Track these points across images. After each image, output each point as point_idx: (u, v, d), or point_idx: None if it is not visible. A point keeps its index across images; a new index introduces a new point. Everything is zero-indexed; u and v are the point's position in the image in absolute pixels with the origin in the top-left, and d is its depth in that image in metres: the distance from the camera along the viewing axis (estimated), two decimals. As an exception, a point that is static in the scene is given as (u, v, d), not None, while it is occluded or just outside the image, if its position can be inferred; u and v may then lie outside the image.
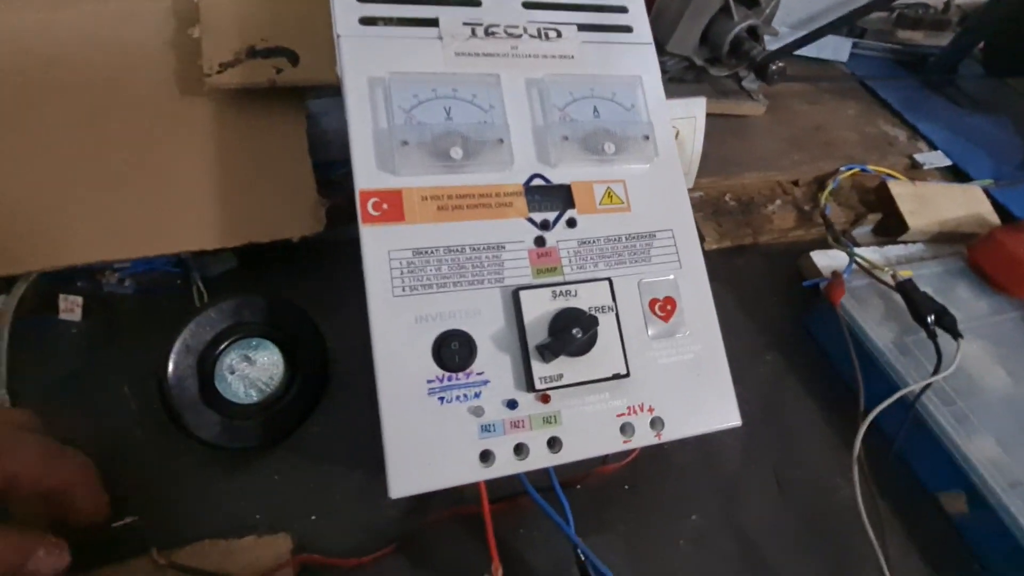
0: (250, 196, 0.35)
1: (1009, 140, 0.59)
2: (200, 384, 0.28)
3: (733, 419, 0.29)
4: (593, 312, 0.27)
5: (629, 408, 0.27)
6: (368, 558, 0.28)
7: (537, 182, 0.29)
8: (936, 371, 0.34)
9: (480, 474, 0.25)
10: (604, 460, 0.30)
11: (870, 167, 0.51)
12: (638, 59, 0.32)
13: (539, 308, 0.26)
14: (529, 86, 0.30)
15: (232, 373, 0.29)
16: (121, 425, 0.31)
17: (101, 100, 0.34)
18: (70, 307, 0.34)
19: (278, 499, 0.29)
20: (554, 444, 0.26)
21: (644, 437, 0.27)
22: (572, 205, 0.29)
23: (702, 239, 0.43)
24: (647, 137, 0.30)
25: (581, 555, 0.26)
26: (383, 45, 0.28)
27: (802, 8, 0.61)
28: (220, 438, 0.28)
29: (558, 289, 0.27)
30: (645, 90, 0.31)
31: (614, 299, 0.27)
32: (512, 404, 0.26)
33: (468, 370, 0.25)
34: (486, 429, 0.25)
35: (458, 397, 0.25)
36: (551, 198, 0.29)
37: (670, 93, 0.33)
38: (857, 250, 0.42)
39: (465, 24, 0.29)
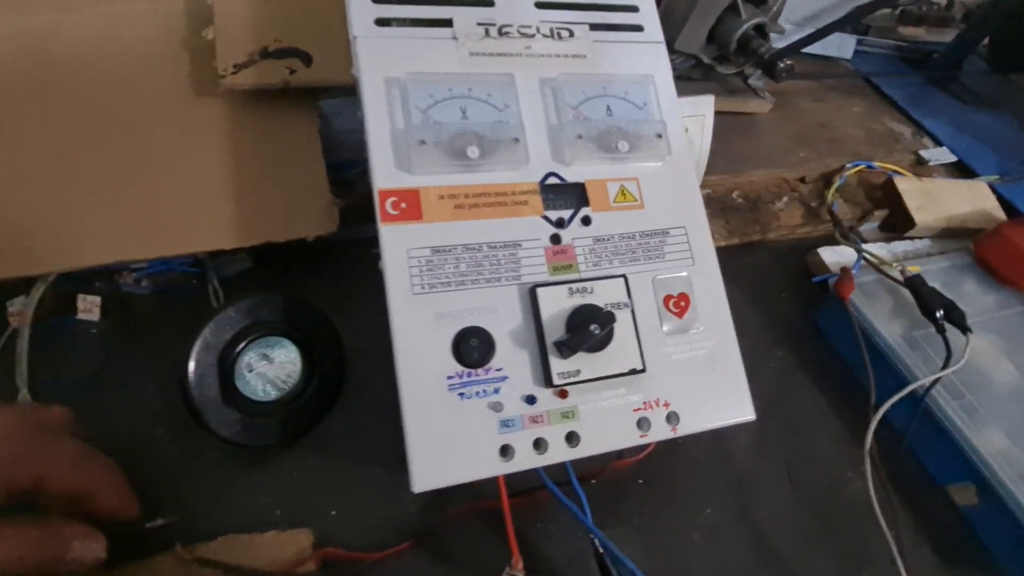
0: (265, 196, 0.35)
1: (1014, 136, 0.60)
2: (220, 382, 0.29)
3: (747, 413, 0.29)
4: (609, 308, 0.27)
5: (645, 403, 0.27)
6: (388, 552, 0.28)
7: (552, 180, 0.29)
8: (946, 365, 0.35)
9: (500, 468, 0.25)
10: (619, 455, 0.30)
11: (876, 164, 0.51)
12: (649, 58, 0.32)
13: (556, 305, 0.27)
14: (543, 85, 0.30)
15: (251, 371, 0.30)
16: (142, 423, 0.31)
17: (115, 102, 0.35)
18: (88, 307, 0.34)
19: (298, 495, 0.30)
20: (572, 439, 0.26)
21: (660, 431, 0.27)
22: (586, 203, 0.29)
23: (711, 236, 0.43)
24: (660, 135, 0.30)
25: (600, 547, 0.26)
26: (398, 46, 0.28)
27: (805, 5, 0.62)
28: (241, 436, 0.29)
29: (574, 286, 0.27)
30: (657, 88, 0.31)
31: (629, 295, 0.28)
32: (531, 399, 0.26)
33: (487, 366, 0.26)
34: (505, 424, 0.25)
35: (478, 393, 0.25)
36: (566, 196, 0.29)
37: (678, 91, 0.33)
38: (865, 246, 0.42)
39: (479, 24, 0.30)
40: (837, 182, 0.49)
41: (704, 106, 0.43)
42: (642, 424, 0.27)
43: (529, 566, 0.26)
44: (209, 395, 0.28)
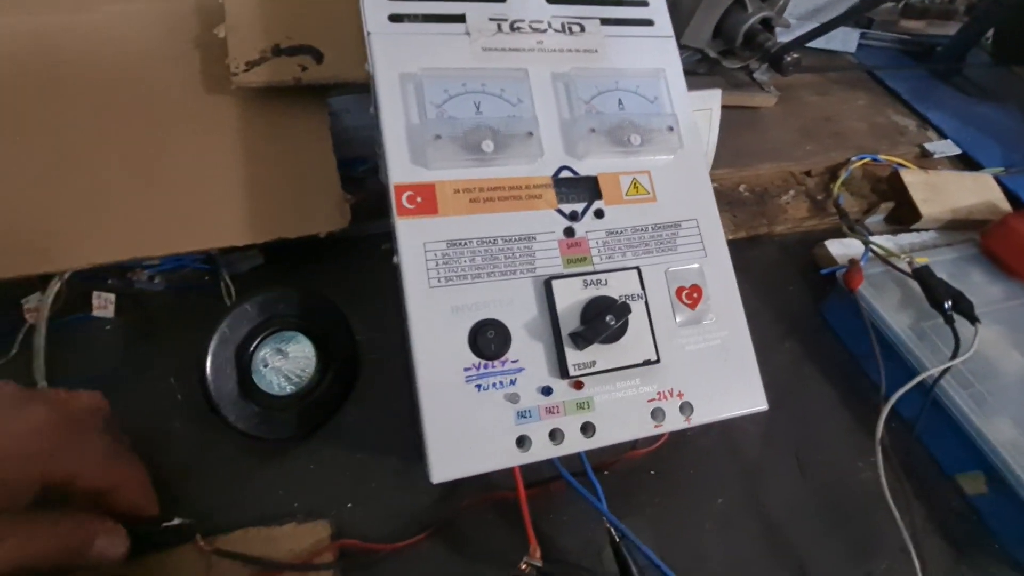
0: (277, 193, 0.35)
1: (1018, 128, 0.60)
2: (238, 377, 0.29)
3: (760, 403, 0.29)
4: (623, 300, 0.27)
5: (659, 393, 0.28)
6: (405, 543, 0.28)
7: (565, 174, 0.29)
8: (955, 355, 0.35)
9: (517, 459, 0.25)
10: (634, 445, 0.31)
11: (881, 156, 0.52)
12: (660, 52, 0.32)
13: (571, 297, 0.27)
14: (555, 80, 0.30)
15: (266, 366, 0.30)
16: (158, 418, 0.31)
17: (128, 101, 0.35)
18: (103, 304, 0.35)
19: (315, 487, 0.30)
20: (588, 429, 0.26)
21: (674, 422, 0.28)
22: (599, 196, 0.29)
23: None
24: (671, 128, 0.30)
25: (616, 536, 0.27)
26: (412, 42, 0.29)
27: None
28: (258, 429, 0.29)
29: (589, 278, 0.27)
30: (668, 82, 0.32)
31: (643, 287, 0.28)
32: (547, 391, 0.26)
33: (503, 358, 0.26)
34: (522, 415, 0.26)
35: (494, 384, 0.26)
36: (579, 189, 0.29)
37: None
38: (872, 238, 0.42)
39: (491, 20, 0.30)
40: (843, 175, 0.50)
41: (711, 100, 0.43)
42: (656, 414, 0.27)
43: (545, 556, 0.26)
44: (227, 389, 0.29)
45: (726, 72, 0.54)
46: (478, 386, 0.26)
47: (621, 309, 0.26)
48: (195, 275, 0.37)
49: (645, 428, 0.27)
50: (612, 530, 0.27)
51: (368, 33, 0.28)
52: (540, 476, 0.29)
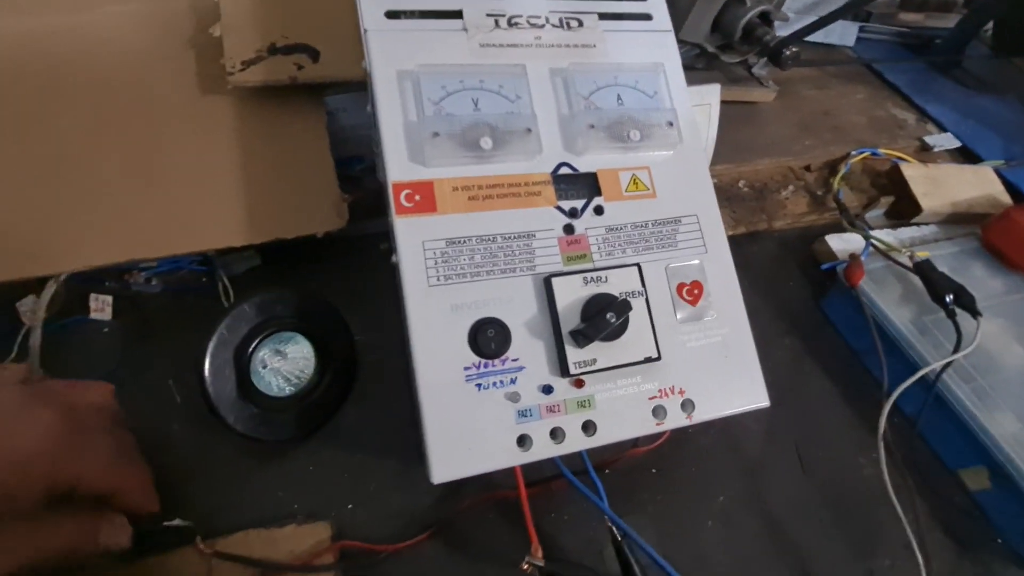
0: (274, 193, 0.35)
1: (1018, 120, 0.59)
2: (237, 378, 0.29)
3: (761, 400, 0.29)
4: (624, 297, 0.27)
5: (661, 391, 0.27)
6: (406, 543, 0.28)
7: (564, 171, 0.29)
8: (957, 349, 0.35)
9: (518, 458, 0.25)
10: (635, 443, 0.31)
11: (881, 150, 0.51)
12: (659, 46, 0.32)
13: (571, 294, 0.27)
14: (553, 75, 0.30)
15: (265, 367, 0.30)
16: (157, 420, 0.31)
17: (124, 101, 0.35)
18: (100, 307, 0.34)
19: (315, 489, 0.30)
20: (589, 428, 0.26)
21: (676, 419, 0.27)
22: (599, 192, 0.29)
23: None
24: (671, 123, 0.30)
25: (618, 534, 0.27)
26: (409, 38, 0.28)
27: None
28: (257, 430, 0.29)
29: (589, 275, 0.27)
30: (667, 77, 0.31)
31: (643, 284, 0.28)
32: (547, 389, 0.26)
33: (504, 356, 0.26)
34: (523, 414, 0.26)
35: (495, 383, 0.26)
36: (578, 186, 0.29)
37: (682, 81, 0.33)
38: (872, 232, 0.42)
39: (488, 15, 0.30)
40: (842, 170, 0.49)
41: (710, 95, 0.43)
42: (658, 412, 0.27)
43: (546, 555, 0.26)
44: (226, 391, 0.28)
45: (724, 67, 0.53)
46: (478, 385, 0.25)
47: (622, 306, 0.26)
48: (192, 277, 0.37)
49: (646, 426, 0.27)
50: (614, 528, 0.27)
51: (365, 30, 0.28)
52: (541, 475, 0.29)
